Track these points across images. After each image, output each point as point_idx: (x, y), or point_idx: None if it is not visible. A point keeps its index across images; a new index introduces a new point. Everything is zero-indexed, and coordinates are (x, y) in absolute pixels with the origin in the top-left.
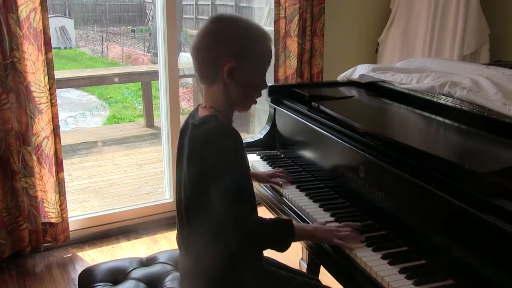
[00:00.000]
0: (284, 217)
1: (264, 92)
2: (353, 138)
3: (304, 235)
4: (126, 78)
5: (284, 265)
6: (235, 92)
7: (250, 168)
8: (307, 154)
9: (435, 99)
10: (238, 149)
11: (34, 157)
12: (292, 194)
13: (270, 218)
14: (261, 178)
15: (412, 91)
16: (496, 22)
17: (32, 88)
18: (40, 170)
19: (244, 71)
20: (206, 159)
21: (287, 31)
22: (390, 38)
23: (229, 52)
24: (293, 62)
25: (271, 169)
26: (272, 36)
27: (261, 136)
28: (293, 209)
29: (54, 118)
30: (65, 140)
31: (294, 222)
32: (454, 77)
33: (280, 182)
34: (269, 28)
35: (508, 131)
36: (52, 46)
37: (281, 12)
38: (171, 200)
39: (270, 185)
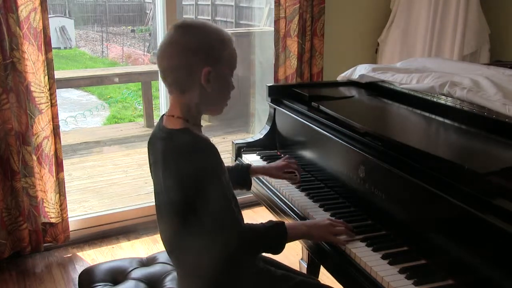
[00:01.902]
0: (285, 217)
1: (264, 92)
2: (353, 138)
3: (299, 235)
4: (126, 78)
5: (283, 264)
6: (212, 96)
7: (258, 163)
8: (307, 154)
9: (435, 99)
10: (215, 161)
11: (34, 157)
12: (292, 194)
13: (261, 223)
14: (272, 173)
15: (412, 91)
16: (496, 22)
17: (32, 88)
18: (40, 170)
19: (220, 75)
20: (185, 175)
21: (287, 31)
22: (390, 38)
23: (205, 58)
24: (293, 62)
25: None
26: (272, 36)
27: (261, 136)
28: (293, 209)
29: (54, 118)
30: (65, 140)
31: (286, 222)
32: (454, 77)
33: (295, 176)
34: (269, 28)
35: (508, 131)
36: (52, 46)
37: (281, 12)
38: None
39: (269, 184)
